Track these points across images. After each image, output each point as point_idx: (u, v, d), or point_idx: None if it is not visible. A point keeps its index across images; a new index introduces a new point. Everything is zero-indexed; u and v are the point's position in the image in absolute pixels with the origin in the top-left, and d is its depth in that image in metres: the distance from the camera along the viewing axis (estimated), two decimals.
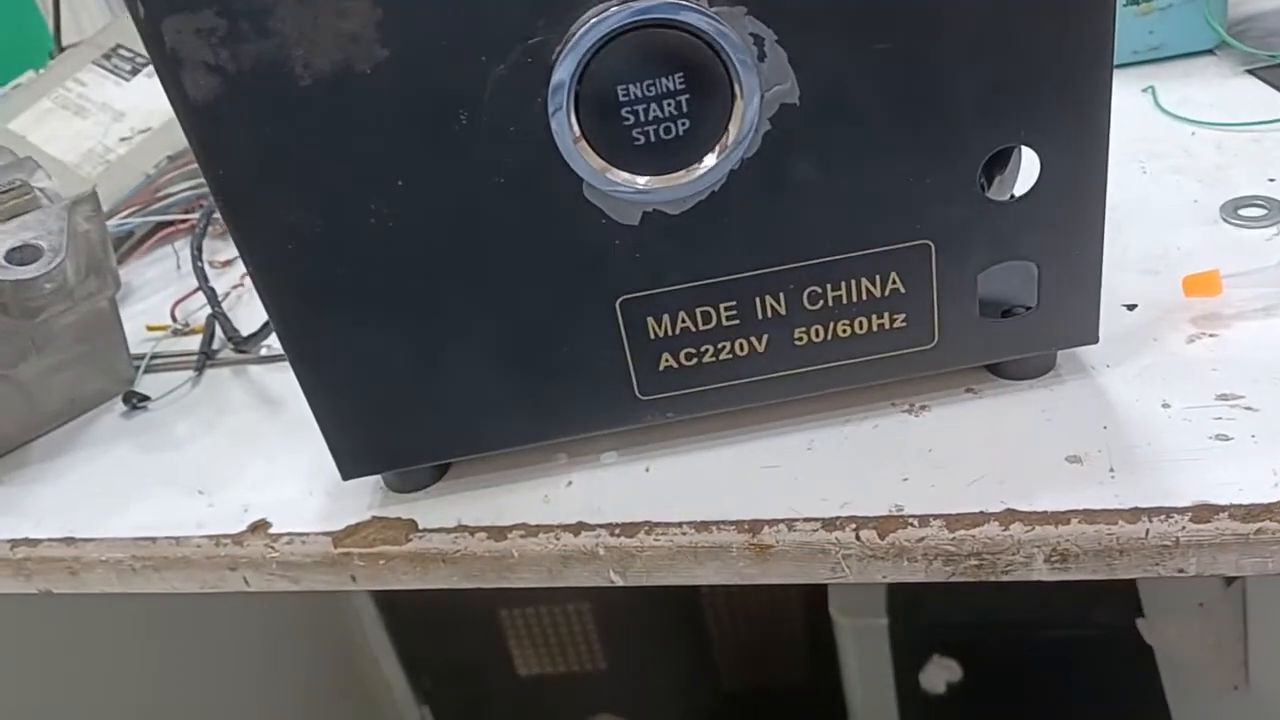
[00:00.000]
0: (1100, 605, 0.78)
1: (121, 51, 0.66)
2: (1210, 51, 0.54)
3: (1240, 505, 0.28)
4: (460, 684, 1.20)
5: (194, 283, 0.49)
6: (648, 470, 0.34)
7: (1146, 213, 0.42)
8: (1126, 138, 0.48)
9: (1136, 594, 0.72)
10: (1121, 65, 0.54)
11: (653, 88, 0.27)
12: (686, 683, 1.16)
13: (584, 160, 0.28)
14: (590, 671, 1.15)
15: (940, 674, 0.84)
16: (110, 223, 0.56)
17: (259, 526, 0.36)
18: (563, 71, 0.27)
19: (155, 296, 0.54)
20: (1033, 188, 0.30)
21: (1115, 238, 0.40)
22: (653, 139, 0.28)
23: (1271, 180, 0.43)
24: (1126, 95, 0.52)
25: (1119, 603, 0.74)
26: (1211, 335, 0.35)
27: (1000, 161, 0.31)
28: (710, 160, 0.28)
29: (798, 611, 1.06)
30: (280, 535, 0.35)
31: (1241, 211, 0.41)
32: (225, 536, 0.35)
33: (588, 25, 0.26)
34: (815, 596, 0.96)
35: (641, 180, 0.29)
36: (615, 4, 0.26)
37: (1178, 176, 0.44)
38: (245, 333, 0.46)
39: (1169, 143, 0.47)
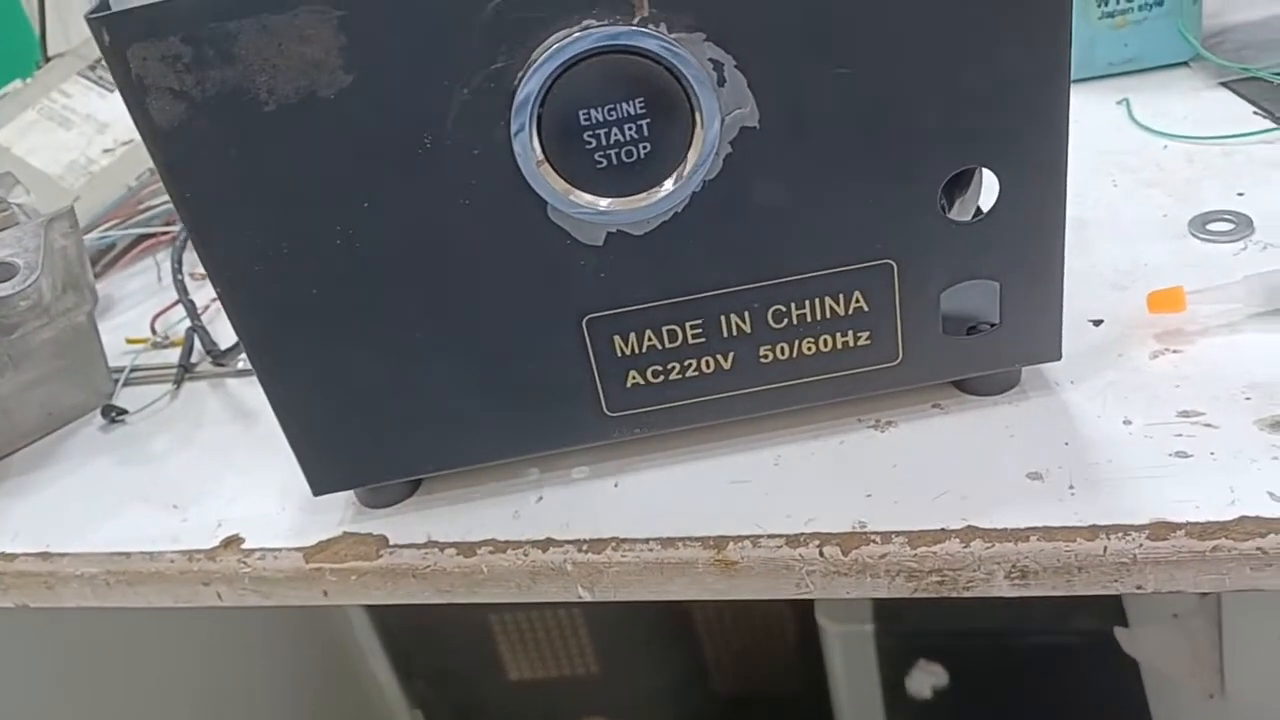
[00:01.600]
0: (1084, 612, 0.78)
1: None
2: (1185, 64, 0.55)
3: (1197, 523, 0.29)
4: (452, 688, 1.20)
5: (175, 295, 0.49)
6: (616, 486, 0.35)
7: (1116, 227, 0.42)
8: (1099, 150, 0.48)
9: (1120, 601, 0.73)
10: (1096, 77, 0.55)
11: (614, 112, 0.28)
12: (677, 687, 1.16)
13: (547, 183, 0.28)
14: (581, 675, 1.15)
15: (926, 679, 0.84)
16: (92, 235, 0.57)
17: (232, 542, 0.36)
18: (525, 96, 0.27)
19: (136, 309, 0.55)
20: (993, 208, 0.30)
21: (1084, 252, 0.41)
22: (615, 162, 0.28)
23: (1240, 194, 0.43)
24: (1100, 107, 0.53)
25: (1103, 610, 0.74)
26: (1175, 351, 0.35)
27: (961, 182, 0.31)
28: (671, 183, 0.29)
29: (787, 617, 1.07)
30: (253, 550, 0.35)
31: (1210, 226, 0.41)
32: (198, 552, 0.36)
33: (549, 51, 0.27)
34: (804, 602, 0.97)
35: (604, 202, 0.29)
36: (576, 30, 0.27)
37: (1148, 190, 0.45)
38: (224, 346, 0.46)
39: (1141, 156, 0.48)
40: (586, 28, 0.27)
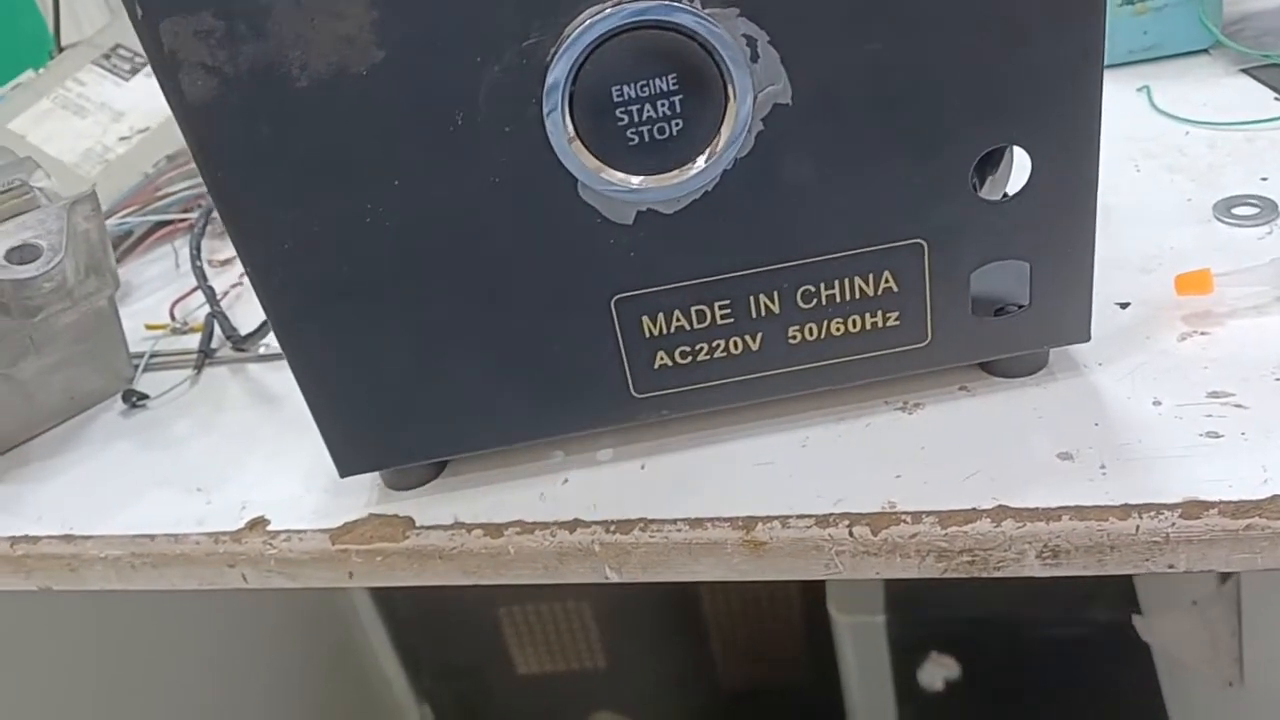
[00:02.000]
0: (1097, 602, 0.78)
1: (121, 51, 0.66)
2: (1205, 51, 0.55)
3: (1230, 502, 0.29)
4: (460, 682, 1.21)
5: (193, 281, 0.49)
6: (643, 467, 0.35)
7: (1140, 211, 0.42)
8: (1121, 137, 0.48)
9: (1133, 590, 0.73)
10: (1117, 65, 0.55)
11: (646, 88, 0.28)
12: (685, 680, 1.16)
13: (578, 160, 0.28)
14: (589, 669, 1.15)
15: (938, 671, 0.84)
16: (109, 222, 0.57)
17: (257, 524, 0.36)
18: (557, 72, 0.27)
19: (155, 295, 0.55)
20: (1024, 187, 0.30)
21: (1109, 236, 0.40)
22: (646, 139, 0.28)
23: (1264, 179, 0.43)
24: (1121, 94, 0.52)
25: (1116, 599, 0.74)
26: (1203, 333, 0.35)
27: (992, 161, 0.31)
28: (703, 160, 0.29)
29: (796, 608, 1.07)
30: (278, 532, 0.35)
31: (1234, 210, 0.41)
32: (224, 534, 0.36)
33: (582, 27, 0.27)
34: (814, 593, 0.96)
35: (635, 180, 0.29)
36: (609, 6, 0.26)
37: (1171, 175, 0.45)
38: (244, 331, 0.46)
39: (1163, 142, 0.47)
40: (619, 3, 0.26)
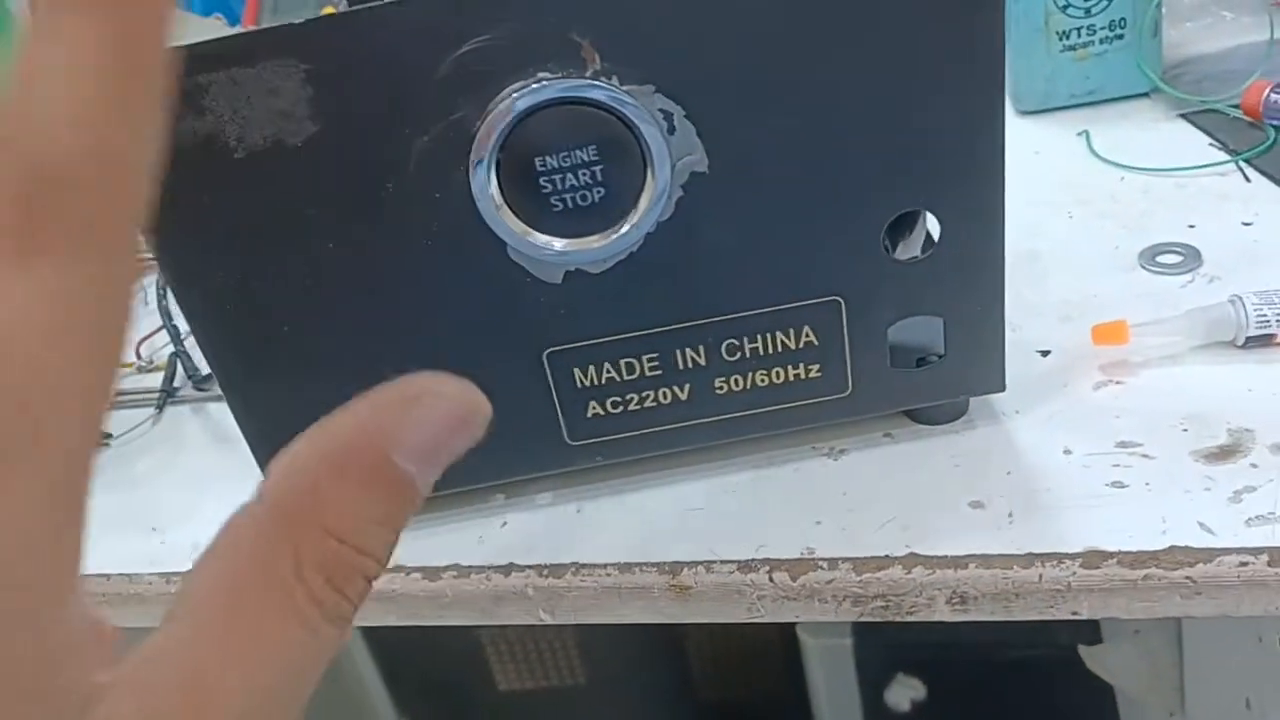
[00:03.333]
0: (1061, 627, 0.79)
1: None
2: (1146, 95, 0.56)
3: (1129, 552, 0.30)
4: (441, 699, 1.21)
5: (159, 320, 0.50)
6: (579, 511, 0.36)
7: (1069, 259, 0.44)
8: (1058, 182, 0.50)
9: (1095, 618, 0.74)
10: (1058, 108, 0.56)
11: (569, 158, 0.29)
12: (663, 697, 1.17)
13: (506, 225, 0.30)
14: (570, 686, 1.16)
15: (905, 693, 0.85)
16: None
17: None
18: (483, 143, 0.28)
19: None
20: (935, 248, 0.32)
21: (1035, 283, 0.42)
22: (570, 205, 0.30)
23: (1191, 226, 0.44)
24: (1061, 139, 0.54)
25: (1077, 626, 0.76)
26: (1118, 383, 0.36)
27: (907, 223, 0.33)
28: (625, 225, 0.30)
29: (771, 629, 1.08)
30: None
31: (1159, 258, 0.42)
32: (176, 574, 0.37)
33: (506, 102, 0.28)
34: None
35: (560, 243, 0.30)
36: (533, 82, 0.28)
37: (1102, 221, 0.46)
38: (205, 371, 0.47)
39: (1098, 188, 0.49)
40: (541, 80, 0.28)
